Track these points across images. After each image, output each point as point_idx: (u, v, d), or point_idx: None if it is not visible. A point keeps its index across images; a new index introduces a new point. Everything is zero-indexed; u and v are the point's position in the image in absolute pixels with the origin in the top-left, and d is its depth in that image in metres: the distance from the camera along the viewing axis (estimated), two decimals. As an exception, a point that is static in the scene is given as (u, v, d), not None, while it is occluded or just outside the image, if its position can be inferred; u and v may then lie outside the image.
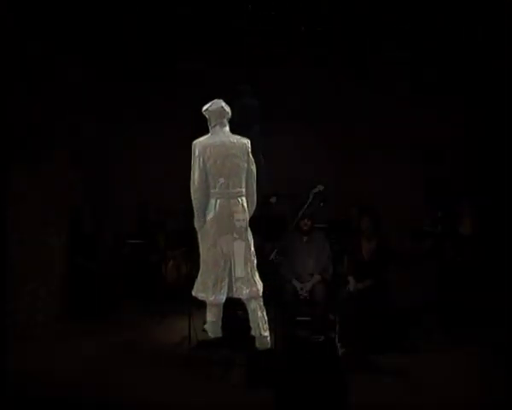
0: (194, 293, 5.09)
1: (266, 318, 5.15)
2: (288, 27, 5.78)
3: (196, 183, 4.81)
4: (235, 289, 4.89)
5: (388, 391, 4.59)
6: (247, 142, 4.95)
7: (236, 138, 4.89)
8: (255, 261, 5.06)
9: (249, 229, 5.04)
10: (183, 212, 6.56)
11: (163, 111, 8.81)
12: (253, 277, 4.91)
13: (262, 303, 5.12)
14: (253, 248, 5.01)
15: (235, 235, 4.78)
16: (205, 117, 4.89)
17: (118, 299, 6.88)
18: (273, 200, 6.78)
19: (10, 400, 4.06)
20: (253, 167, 5.03)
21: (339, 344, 5.48)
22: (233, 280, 4.80)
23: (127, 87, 8.83)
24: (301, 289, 5.71)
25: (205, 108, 4.93)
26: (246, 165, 4.88)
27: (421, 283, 7.08)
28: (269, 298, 5.76)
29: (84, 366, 5.18)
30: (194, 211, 4.95)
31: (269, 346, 5.23)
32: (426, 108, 8.80)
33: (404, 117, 8.84)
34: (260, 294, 5.05)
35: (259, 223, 6.58)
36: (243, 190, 4.91)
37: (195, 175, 4.82)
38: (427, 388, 4.66)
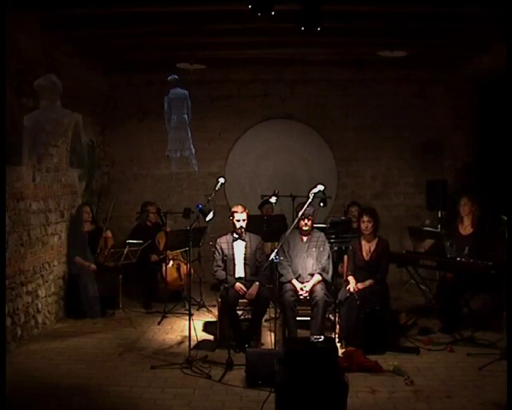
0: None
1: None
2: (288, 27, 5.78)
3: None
4: None
5: (388, 391, 4.59)
6: (79, 117, 4.97)
7: (67, 113, 4.90)
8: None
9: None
10: (183, 212, 6.57)
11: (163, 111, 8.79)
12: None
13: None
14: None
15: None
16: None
17: (117, 299, 6.87)
18: (273, 200, 6.77)
19: (10, 399, 4.05)
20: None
21: (339, 344, 5.49)
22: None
23: (127, 86, 8.84)
24: (301, 289, 5.71)
25: (36, 82, 4.88)
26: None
27: (421, 283, 7.09)
28: (269, 298, 5.78)
29: (83, 365, 5.19)
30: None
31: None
32: (427, 107, 8.83)
33: (405, 117, 8.85)
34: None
35: (260, 223, 6.59)
36: None
37: None
38: (427, 388, 4.65)
